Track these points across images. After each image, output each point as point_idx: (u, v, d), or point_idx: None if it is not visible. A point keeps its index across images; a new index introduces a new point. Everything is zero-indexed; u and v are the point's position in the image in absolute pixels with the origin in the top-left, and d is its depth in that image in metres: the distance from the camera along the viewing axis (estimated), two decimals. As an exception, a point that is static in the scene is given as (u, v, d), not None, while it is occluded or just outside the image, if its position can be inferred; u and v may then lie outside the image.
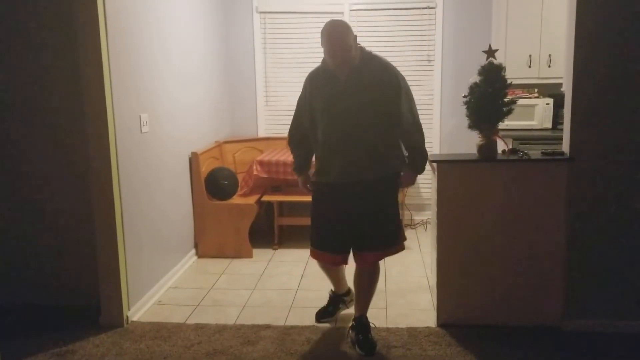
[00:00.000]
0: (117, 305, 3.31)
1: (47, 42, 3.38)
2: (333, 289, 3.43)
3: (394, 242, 3.03)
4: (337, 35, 2.81)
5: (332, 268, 3.24)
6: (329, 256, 3.07)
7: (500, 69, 3.02)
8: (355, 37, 2.87)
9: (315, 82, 2.98)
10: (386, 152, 2.93)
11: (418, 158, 2.99)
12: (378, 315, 3.43)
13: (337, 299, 3.42)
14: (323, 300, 3.45)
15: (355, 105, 2.84)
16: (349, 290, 3.44)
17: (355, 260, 3.06)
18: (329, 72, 2.91)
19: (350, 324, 3.16)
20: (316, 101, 2.94)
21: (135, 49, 3.51)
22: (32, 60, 3.40)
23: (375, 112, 2.85)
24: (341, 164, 2.89)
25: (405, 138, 2.96)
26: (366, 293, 3.11)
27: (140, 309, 3.52)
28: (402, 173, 3.03)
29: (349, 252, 3.06)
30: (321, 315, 3.39)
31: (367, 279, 3.09)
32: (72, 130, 3.43)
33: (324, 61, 2.96)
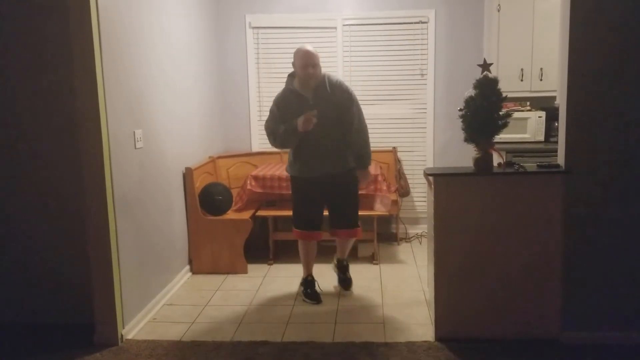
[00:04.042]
0: (112, 323, 3.27)
1: (50, 58, 3.39)
2: (306, 274, 4.05)
3: (356, 223, 3.97)
4: (309, 53, 3.64)
5: (310, 246, 4.01)
6: (310, 233, 3.93)
7: (495, 82, 3.04)
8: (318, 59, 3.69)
9: (284, 104, 3.75)
10: (345, 151, 3.82)
11: (364, 157, 3.88)
12: (376, 330, 3.42)
13: (312, 282, 4.03)
14: (320, 316, 3.44)
15: (322, 118, 3.62)
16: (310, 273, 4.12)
17: (336, 234, 4.02)
18: (296, 93, 3.71)
19: (335, 263, 4.23)
20: (288, 119, 3.68)
21: (129, 64, 3.51)
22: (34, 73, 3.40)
23: (337, 122, 3.73)
24: (318, 163, 3.77)
25: (352, 139, 3.81)
26: (345, 247, 4.15)
27: (135, 326, 3.48)
28: (357, 173, 3.90)
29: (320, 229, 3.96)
30: (316, 297, 3.95)
31: (347, 241, 4.11)
32: (66, 147, 3.41)
33: (287, 85, 3.77)
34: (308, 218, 3.93)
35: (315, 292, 3.97)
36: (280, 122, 3.73)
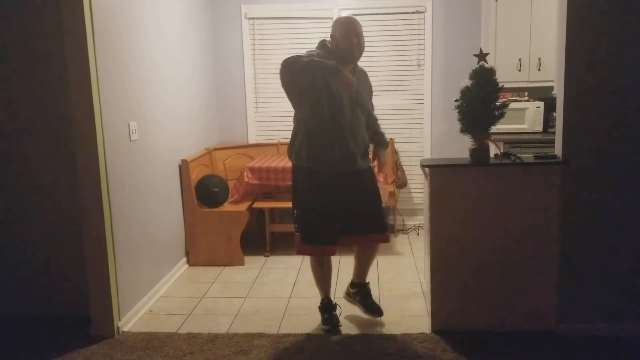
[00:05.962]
0: (108, 316, 3.26)
1: (45, 53, 3.35)
2: (324, 295, 3.39)
3: (387, 227, 3.39)
4: (352, 19, 3.12)
5: (326, 264, 3.33)
6: (328, 248, 3.22)
7: (491, 72, 3.01)
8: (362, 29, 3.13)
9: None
10: (368, 144, 3.30)
11: (383, 135, 3.41)
12: (372, 321, 3.41)
13: (330, 304, 3.38)
14: (316, 308, 3.40)
15: (359, 102, 3.15)
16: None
17: (360, 241, 3.31)
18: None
19: (352, 291, 3.51)
20: (328, 86, 3.03)
21: (123, 56, 3.47)
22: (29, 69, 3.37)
23: (367, 111, 3.26)
24: (346, 154, 3.09)
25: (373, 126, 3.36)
26: (368, 264, 3.46)
27: (131, 319, 3.47)
28: (378, 153, 3.36)
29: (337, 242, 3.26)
30: (332, 323, 3.31)
31: (372, 254, 3.43)
32: (61, 139, 3.39)
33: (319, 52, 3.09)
34: (325, 228, 3.16)
35: (334, 316, 3.34)
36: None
